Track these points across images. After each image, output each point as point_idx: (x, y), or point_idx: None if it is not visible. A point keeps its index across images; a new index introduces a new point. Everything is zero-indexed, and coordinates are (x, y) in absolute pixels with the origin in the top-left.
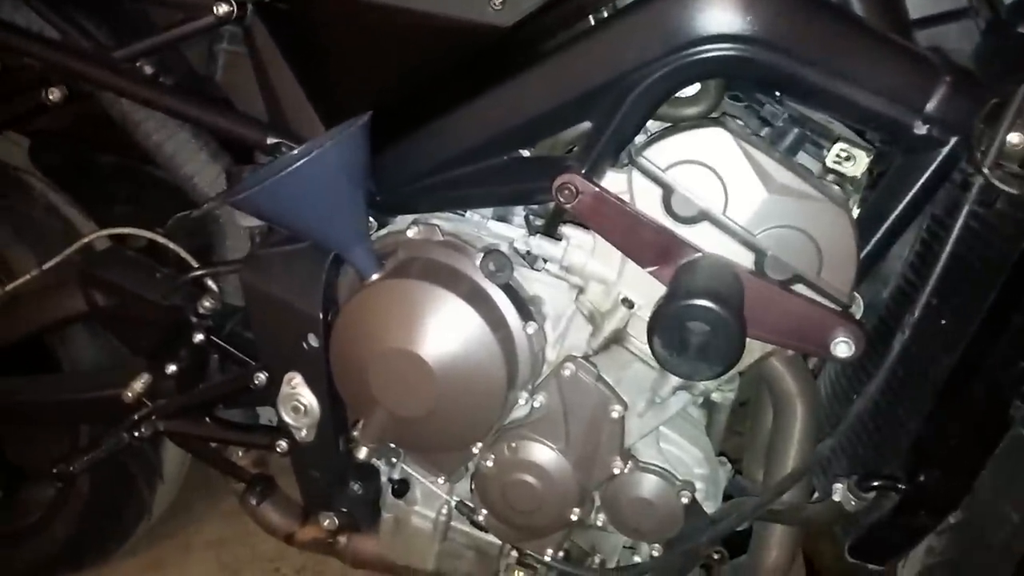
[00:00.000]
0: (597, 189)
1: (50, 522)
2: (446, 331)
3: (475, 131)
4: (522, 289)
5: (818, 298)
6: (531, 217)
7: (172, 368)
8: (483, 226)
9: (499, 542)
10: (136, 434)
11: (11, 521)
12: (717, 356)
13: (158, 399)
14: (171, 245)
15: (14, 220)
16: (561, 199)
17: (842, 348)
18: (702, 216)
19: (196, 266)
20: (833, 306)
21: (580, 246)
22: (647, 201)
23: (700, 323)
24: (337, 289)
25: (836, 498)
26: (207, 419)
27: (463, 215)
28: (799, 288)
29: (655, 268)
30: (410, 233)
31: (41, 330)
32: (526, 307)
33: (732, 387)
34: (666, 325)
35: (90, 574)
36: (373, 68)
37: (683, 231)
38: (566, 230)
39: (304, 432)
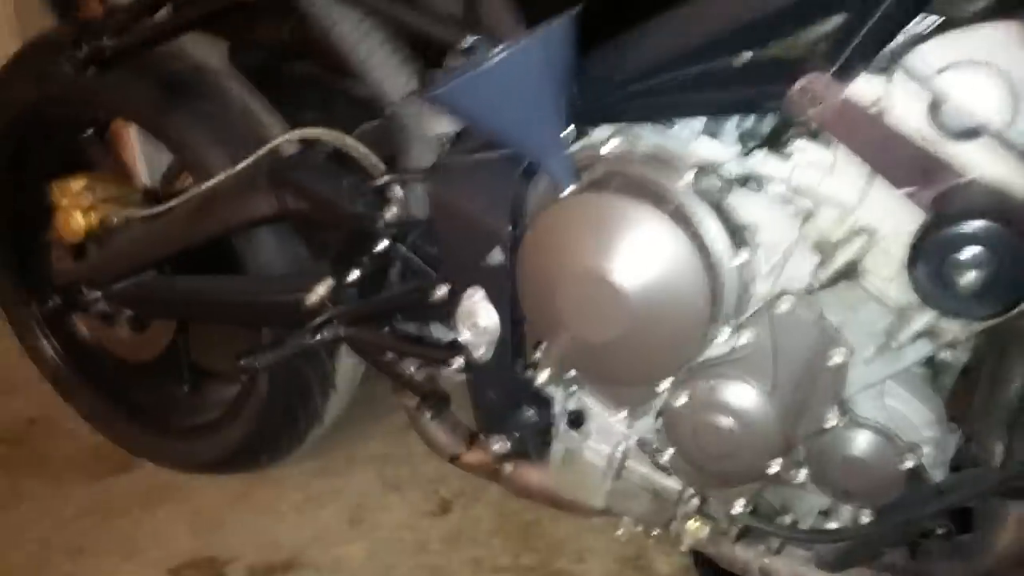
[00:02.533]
0: (848, 94)
1: (230, 420)
2: (646, 253)
3: (699, 27)
4: (735, 213)
5: None
6: (744, 136)
7: (354, 274)
8: (691, 142)
9: (678, 487)
10: (318, 337)
11: (192, 417)
12: (998, 291)
13: (339, 305)
14: (360, 148)
15: (212, 122)
16: (802, 106)
17: None
18: (979, 131)
19: (383, 172)
20: None
21: (814, 163)
22: (910, 110)
23: (981, 249)
24: (526, 203)
25: None
26: (386, 329)
27: (670, 129)
28: None
29: (913, 189)
30: (611, 145)
31: (232, 230)
32: (739, 233)
33: (970, 345)
34: (936, 250)
35: (262, 474)
36: None
37: (952, 148)
38: (799, 144)
39: (482, 350)
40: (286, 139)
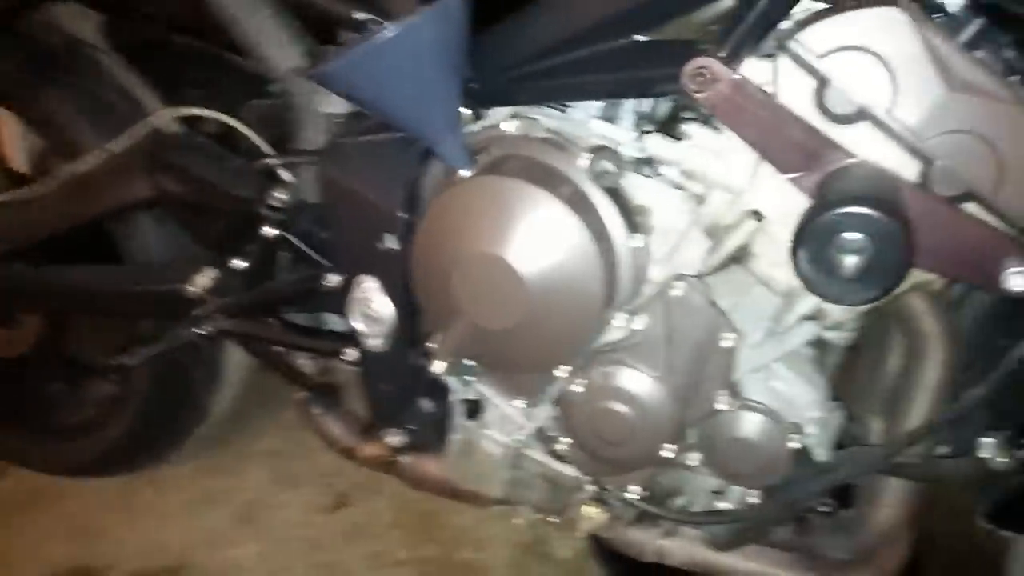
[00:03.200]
0: (738, 77)
1: (107, 419)
2: (542, 237)
3: (593, 8)
4: (630, 197)
5: (992, 220)
6: (640, 119)
7: (239, 264)
8: (587, 125)
9: (574, 475)
10: (198, 331)
11: (69, 415)
12: (878, 276)
13: (223, 296)
14: (244, 129)
15: (81, 97)
16: (693, 88)
17: (1016, 281)
18: (861, 115)
19: (270, 154)
20: (1009, 231)
21: (705, 148)
22: (795, 95)
23: (860, 235)
24: (421, 188)
25: (983, 454)
26: (273, 321)
27: (564, 112)
28: (969, 208)
29: (798, 175)
30: (506, 128)
31: (106, 214)
32: (633, 217)
33: (854, 325)
34: (817, 236)
35: (144, 475)
36: None
37: (835, 132)
38: (690, 129)
39: (375, 341)
40: (164, 117)
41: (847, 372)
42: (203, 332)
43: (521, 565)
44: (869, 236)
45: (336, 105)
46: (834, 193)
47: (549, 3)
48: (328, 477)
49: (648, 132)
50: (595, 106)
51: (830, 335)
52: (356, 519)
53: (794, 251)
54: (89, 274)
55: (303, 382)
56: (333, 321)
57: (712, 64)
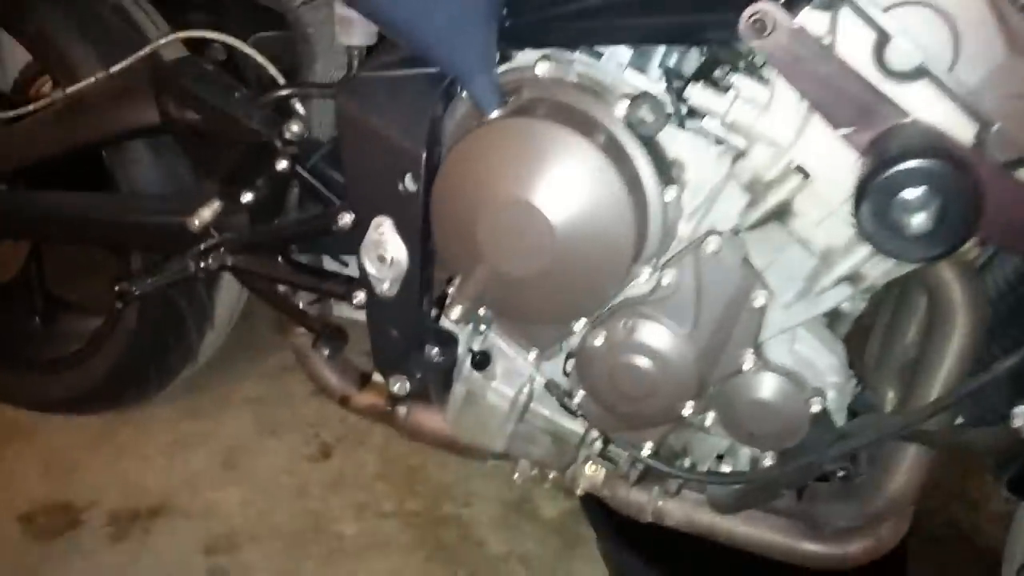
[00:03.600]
0: (797, 25)
1: (92, 354)
2: (574, 184)
3: None
4: (665, 148)
5: None
6: (670, 72)
7: (248, 197)
8: (620, 73)
9: (580, 431)
10: (202, 264)
11: (43, 351)
12: (944, 233)
13: (228, 231)
14: (258, 57)
15: (78, 17)
16: (750, 35)
17: None
18: (920, 73)
19: (284, 84)
20: None
21: (751, 100)
22: (854, 48)
23: (927, 188)
24: (443, 129)
25: (1017, 424)
26: (280, 259)
27: (597, 59)
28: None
29: (851, 131)
30: (539, 70)
31: (105, 141)
32: (667, 169)
33: (867, 296)
34: (883, 190)
35: (122, 416)
36: None
37: (892, 89)
38: (736, 80)
39: (386, 285)
40: (171, 40)
41: (856, 340)
42: (206, 266)
43: (507, 522)
44: (936, 189)
45: (355, 38)
46: (893, 148)
47: None
48: (312, 427)
49: (688, 82)
50: (626, 55)
51: (844, 305)
52: (341, 469)
53: (857, 205)
54: (86, 202)
55: (307, 325)
56: (334, 266)
57: (772, 10)
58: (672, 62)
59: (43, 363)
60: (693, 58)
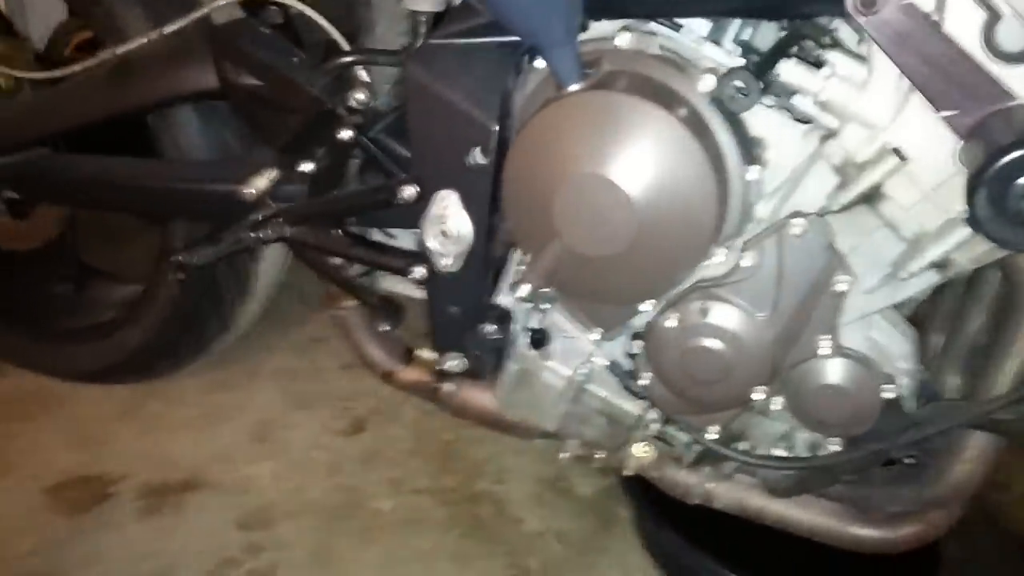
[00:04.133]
0: (906, 1)
1: (126, 323)
2: (656, 161)
3: None
4: (748, 126)
5: None
6: (745, 47)
7: (308, 167)
8: (700, 46)
9: (637, 412)
10: (259, 235)
11: (81, 319)
12: None
13: (285, 200)
14: (320, 20)
15: None
16: (857, 8)
17: None
18: None
19: (348, 50)
20: None
21: (848, 78)
22: (963, 26)
23: None
24: (514, 101)
25: None
26: (338, 231)
27: (677, 30)
28: None
29: (954, 113)
30: (619, 41)
31: (156, 104)
32: (751, 147)
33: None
34: (1002, 177)
35: (151, 387)
36: None
37: (1001, 71)
38: (832, 57)
39: (449, 260)
40: (227, 1)
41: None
42: (264, 237)
43: (541, 499)
44: None
45: (423, 2)
46: (1001, 133)
47: None
48: (344, 401)
49: (778, 58)
50: (704, 29)
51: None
52: (374, 445)
53: (971, 193)
54: (133, 167)
55: (364, 299)
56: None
57: None
58: (748, 35)
59: (75, 331)
60: (767, 32)
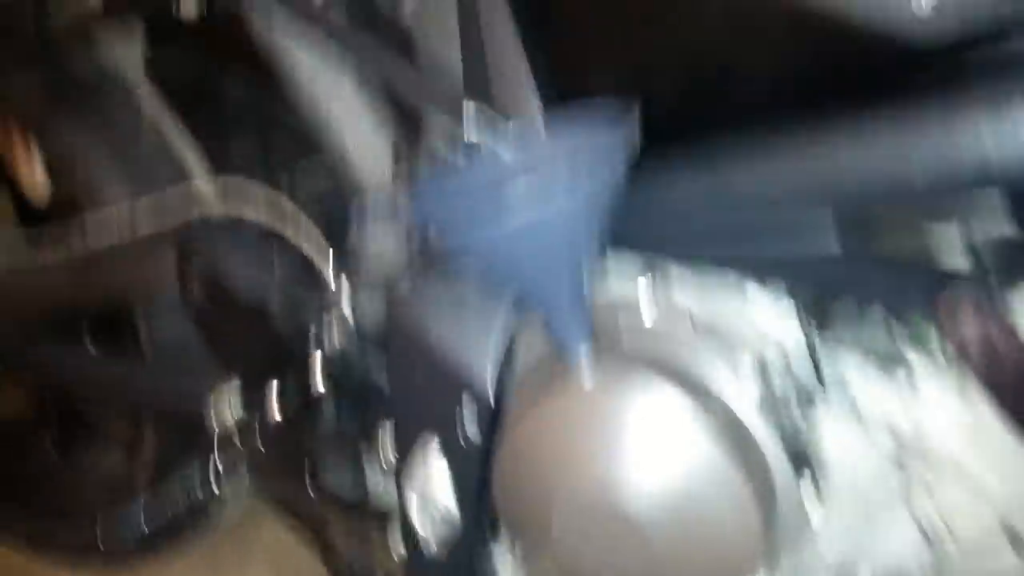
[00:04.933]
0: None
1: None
2: (678, 478)
3: (820, 167)
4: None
5: None
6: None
7: (274, 411)
8: (746, 312)
9: None
10: (213, 482)
11: (66, 492)
12: None
13: (251, 441)
14: (313, 233)
15: (111, 139)
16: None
17: None
18: None
19: (333, 290)
20: None
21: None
22: None
23: None
24: (514, 357)
25: None
26: (308, 480)
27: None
28: None
29: None
30: (645, 312)
31: (122, 303)
32: (805, 458)
33: None
34: None
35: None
36: (670, 42)
37: None
38: (918, 370)
39: (433, 547)
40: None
41: None
42: (218, 483)
43: None
44: None
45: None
46: None
47: (750, 150)
48: None
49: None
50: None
51: None
52: None
53: None
54: (91, 364)
55: (337, 569)
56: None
57: (973, 303)
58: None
59: (58, 507)
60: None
